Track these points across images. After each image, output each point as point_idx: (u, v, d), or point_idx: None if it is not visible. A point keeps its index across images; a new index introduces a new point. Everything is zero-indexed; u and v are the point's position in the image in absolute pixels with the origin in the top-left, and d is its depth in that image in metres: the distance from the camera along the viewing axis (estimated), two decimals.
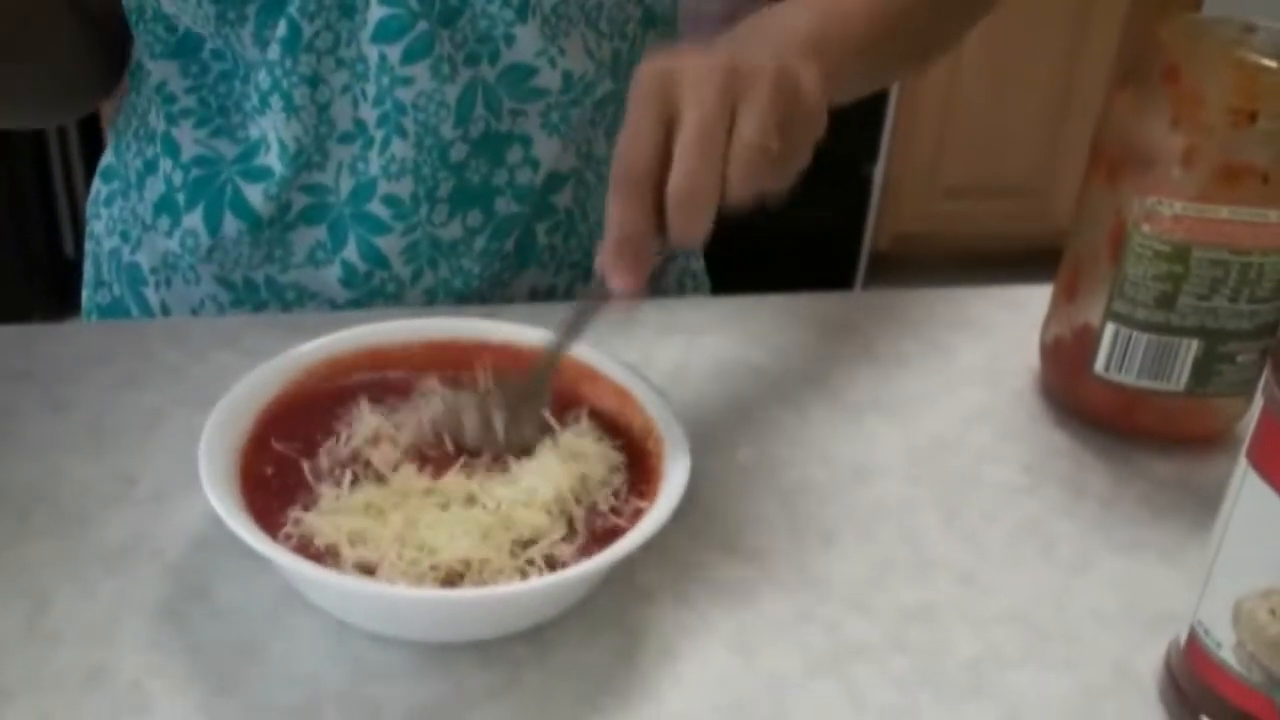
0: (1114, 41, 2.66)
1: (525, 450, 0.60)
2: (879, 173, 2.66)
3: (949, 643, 0.58)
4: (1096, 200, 0.71)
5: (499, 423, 0.60)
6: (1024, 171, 2.80)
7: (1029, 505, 0.67)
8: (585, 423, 0.62)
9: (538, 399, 0.62)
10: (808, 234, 2.67)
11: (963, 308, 0.85)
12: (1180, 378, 0.68)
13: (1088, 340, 0.70)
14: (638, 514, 0.57)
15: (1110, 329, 0.69)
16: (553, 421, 0.61)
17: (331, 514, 0.56)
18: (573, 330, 0.62)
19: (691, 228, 0.55)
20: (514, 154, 0.79)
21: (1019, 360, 0.78)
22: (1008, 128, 2.74)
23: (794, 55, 0.59)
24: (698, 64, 0.56)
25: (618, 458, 0.61)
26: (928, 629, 0.59)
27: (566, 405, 0.63)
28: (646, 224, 0.55)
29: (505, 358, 0.65)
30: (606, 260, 0.56)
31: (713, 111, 0.54)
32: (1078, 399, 0.73)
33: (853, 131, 2.59)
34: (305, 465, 0.59)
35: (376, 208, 0.78)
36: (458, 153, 0.78)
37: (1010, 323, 0.83)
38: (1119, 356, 0.69)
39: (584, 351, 0.64)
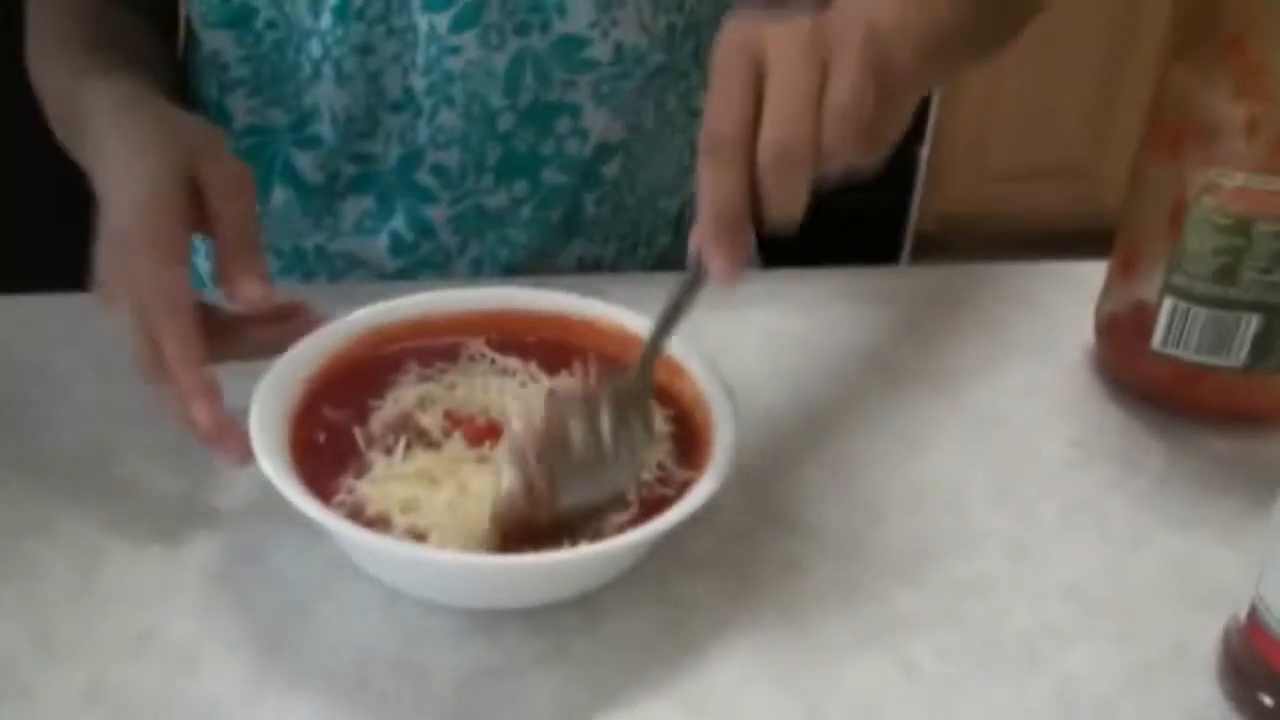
0: (1162, 22, 2.61)
1: (633, 455, 0.56)
2: (925, 154, 2.63)
3: (1002, 617, 0.57)
4: (1155, 174, 0.69)
5: (606, 428, 0.56)
6: (1070, 153, 2.76)
7: (1082, 480, 0.66)
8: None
9: (644, 396, 0.58)
10: (853, 214, 2.64)
11: (1015, 283, 0.83)
12: (1240, 353, 0.67)
13: (1144, 315, 0.69)
14: (686, 484, 0.56)
15: (1168, 303, 0.67)
16: (659, 419, 0.59)
17: (383, 481, 0.56)
18: (671, 319, 0.57)
19: (788, 193, 0.51)
20: (563, 124, 0.79)
21: (1072, 335, 0.77)
22: (1054, 109, 2.70)
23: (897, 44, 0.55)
24: (783, 28, 0.52)
25: (666, 428, 0.60)
26: (980, 602, 0.58)
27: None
28: (743, 196, 0.51)
29: (555, 328, 0.65)
30: (703, 238, 0.52)
31: (802, 70, 0.50)
32: (1134, 374, 0.71)
33: None
34: (357, 432, 0.59)
35: (424, 177, 0.78)
36: (505, 122, 0.77)
37: (1063, 298, 0.81)
38: (1177, 331, 0.68)
39: (633, 321, 0.64)
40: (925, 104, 2.57)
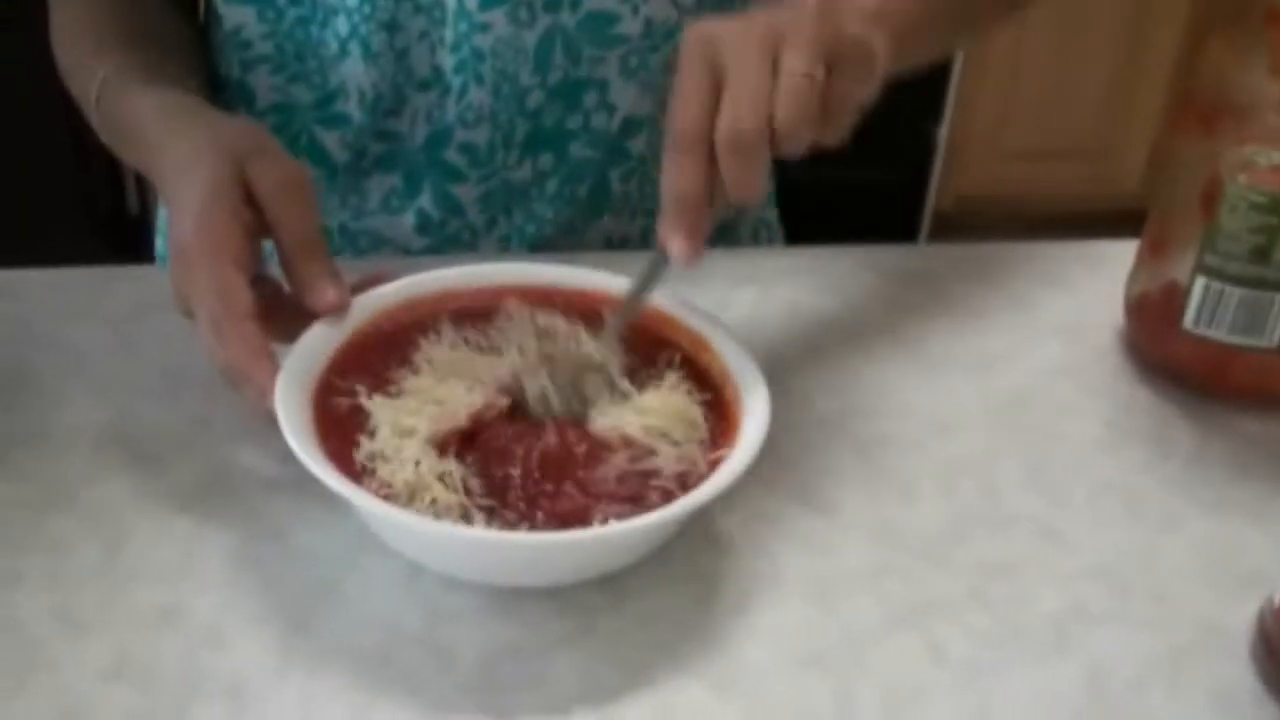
0: (1184, 2, 2.60)
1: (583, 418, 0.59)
2: (943, 133, 2.61)
3: (1031, 599, 0.57)
4: (1187, 152, 0.68)
5: (554, 396, 0.59)
6: (1090, 134, 2.75)
7: (1112, 462, 0.65)
8: (674, 374, 0.60)
9: (603, 369, 0.60)
10: (870, 194, 2.64)
11: (1043, 262, 0.83)
12: (1273, 333, 0.66)
13: (1175, 295, 0.68)
14: (715, 463, 0.56)
15: (1201, 283, 0.67)
16: (625, 386, 0.60)
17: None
18: (636, 301, 0.61)
19: (744, 175, 0.54)
20: (590, 98, 0.78)
21: (1101, 315, 0.76)
22: (1074, 89, 2.68)
23: (856, 21, 0.58)
24: (737, 23, 0.56)
25: (696, 411, 0.59)
26: (1009, 584, 0.57)
27: (650, 349, 0.62)
28: (700, 185, 0.55)
29: (582, 303, 0.64)
30: (664, 225, 0.56)
31: (754, 62, 0.54)
32: (1164, 355, 0.71)
33: (916, 92, 2.55)
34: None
35: (453, 155, 0.78)
36: (535, 100, 0.77)
37: (1092, 278, 0.80)
38: (1209, 312, 0.67)
39: (662, 298, 0.63)
40: (943, 84, 2.55)
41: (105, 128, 0.73)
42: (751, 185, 0.55)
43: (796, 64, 0.54)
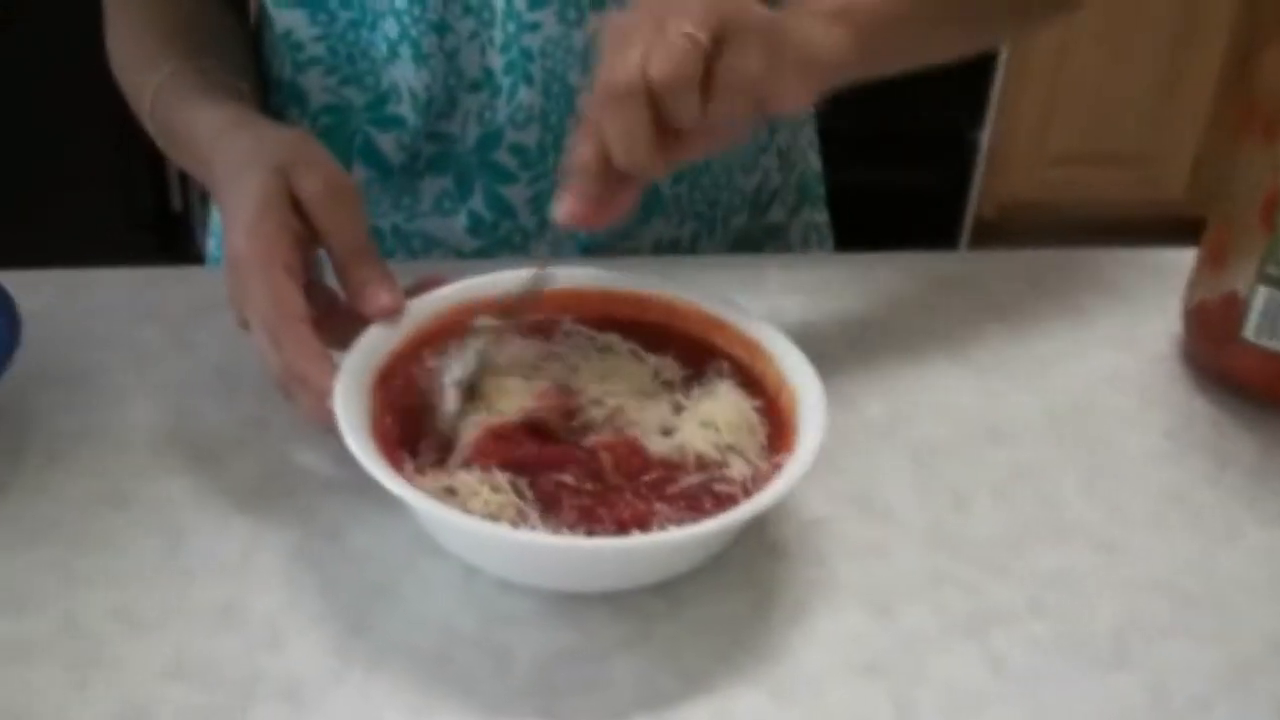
0: (1231, 7, 2.57)
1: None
2: (985, 139, 2.60)
3: (1091, 610, 0.56)
4: (1248, 159, 0.68)
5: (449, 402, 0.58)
6: (1135, 139, 2.72)
7: (1171, 473, 0.65)
8: (727, 383, 0.60)
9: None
10: (911, 199, 2.63)
11: (1096, 269, 0.82)
12: None
13: (1235, 305, 0.68)
14: (771, 469, 0.55)
15: (1262, 293, 0.66)
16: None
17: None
18: (531, 291, 0.62)
19: (618, 130, 0.54)
20: None
21: (1157, 324, 0.76)
22: (1118, 94, 2.66)
23: (818, 19, 0.60)
24: (642, 4, 0.56)
25: (754, 417, 0.59)
26: (1069, 595, 0.57)
27: (701, 356, 0.62)
28: (590, 149, 0.56)
29: (632, 308, 0.64)
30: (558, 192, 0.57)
31: (643, 22, 0.55)
32: (1224, 365, 0.70)
33: (959, 97, 2.54)
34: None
35: (503, 157, 0.78)
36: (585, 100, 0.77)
37: (1146, 285, 0.80)
38: (1271, 322, 0.66)
39: (716, 303, 0.63)
40: (986, 88, 2.54)
41: (160, 135, 0.74)
42: (627, 142, 0.54)
43: (678, 26, 0.54)
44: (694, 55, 0.54)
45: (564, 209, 0.57)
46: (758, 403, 0.60)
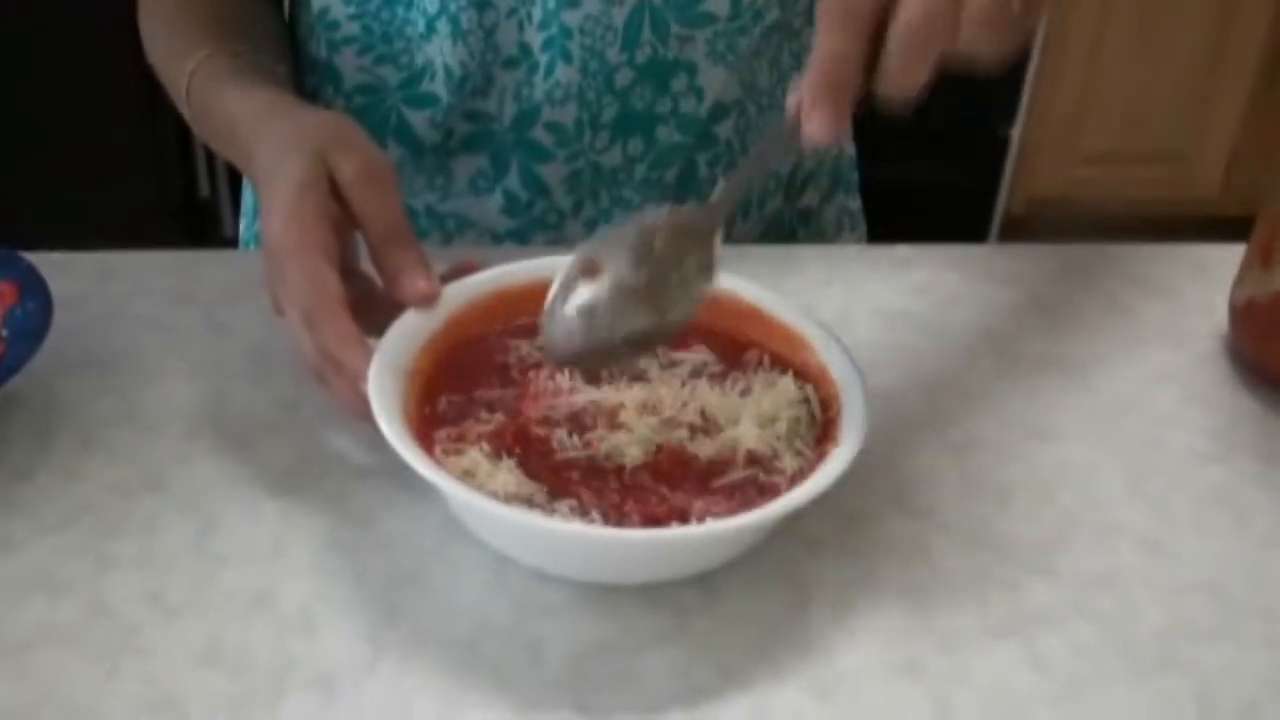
0: (1269, 5, 2.54)
1: (686, 290, 0.55)
2: (1017, 134, 2.58)
3: (1137, 612, 0.55)
4: None
5: (657, 258, 0.55)
6: (1167, 137, 2.69)
7: (1218, 473, 0.63)
8: (787, 376, 0.59)
9: (708, 236, 0.56)
10: (941, 194, 2.61)
11: (1137, 265, 0.80)
12: None
13: None
14: (817, 459, 0.54)
15: None
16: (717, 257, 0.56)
17: None
18: (754, 169, 0.56)
19: (912, 72, 0.48)
20: (679, 82, 0.77)
21: (1203, 322, 0.74)
22: (1152, 91, 2.63)
23: None
24: None
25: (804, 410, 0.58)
26: (1114, 596, 0.56)
27: (739, 348, 0.61)
28: (858, 59, 0.49)
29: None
30: (807, 94, 0.50)
31: None
32: (1272, 364, 0.68)
33: (991, 92, 2.52)
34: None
35: (540, 134, 0.77)
36: (623, 78, 0.76)
37: (1191, 283, 0.78)
38: None
39: (756, 292, 0.62)
40: (1018, 84, 2.52)
41: (196, 121, 0.73)
42: (914, 85, 0.49)
43: None
44: (1005, 21, 0.48)
45: (821, 128, 0.50)
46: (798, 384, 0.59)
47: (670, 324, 0.56)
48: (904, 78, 0.49)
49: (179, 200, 2.40)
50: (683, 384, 0.59)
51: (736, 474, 0.54)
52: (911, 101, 0.50)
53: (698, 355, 0.61)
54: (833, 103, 0.50)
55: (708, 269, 0.56)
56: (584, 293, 0.56)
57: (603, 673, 0.51)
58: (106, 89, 2.13)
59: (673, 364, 0.61)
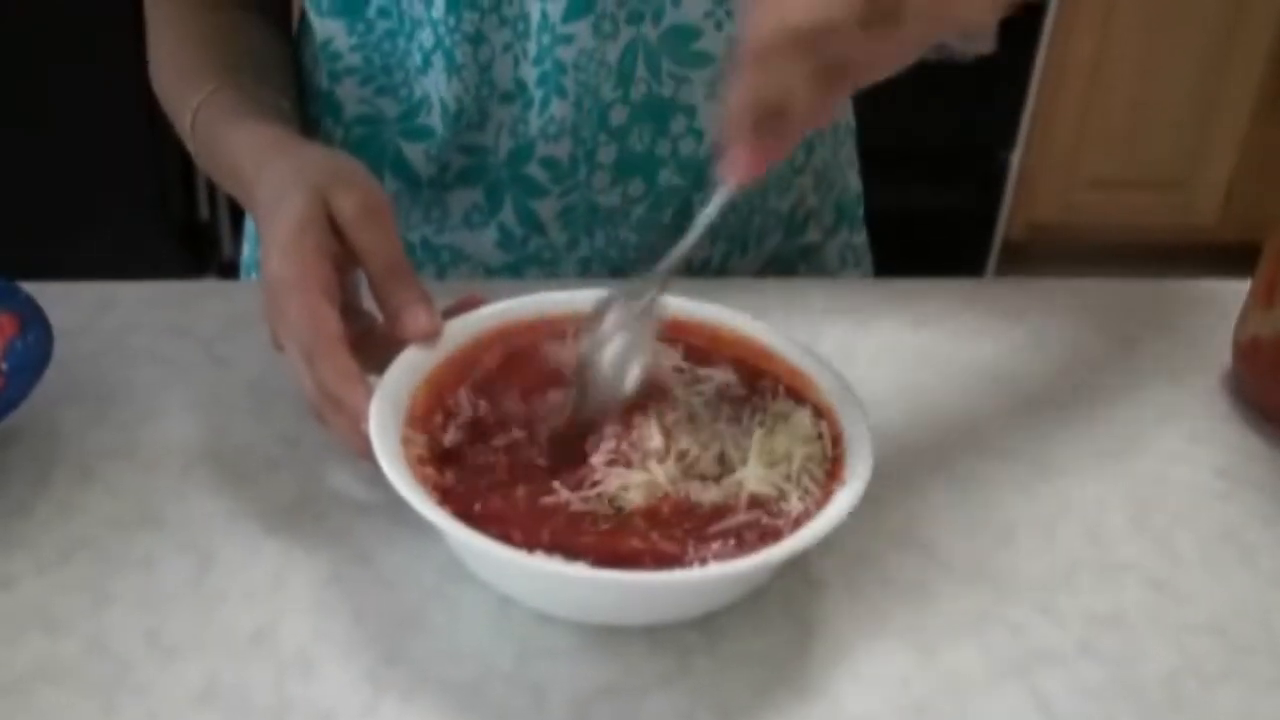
0: (1269, 33, 2.55)
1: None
2: (1016, 159, 2.58)
3: (1143, 653, 0.54)
4: None
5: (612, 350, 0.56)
6: (1168, 164, 2.70)
7: (1225, 511, 0.63)
8: (802, 412, 0.59)
9: (649, 316, 0.57)
10: (940, 219, 2.61)
11: (1142, 299, 0.80)
12: None
13: None
14: (824, 497, 0.54)
15: None
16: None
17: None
18: (692, 236, 0.56)
19: (791, 81, 0.48)
20: (678, 124, 0.77)
21: (1207, 358, 0.74)
22: (1151, 120, 2.64)
23: None
24: None
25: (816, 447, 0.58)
26: (1120, 637, 0.55)
27: (757, 374, 0.61)
28: (753, 95, 0.49)
29: (674, 330, 0.63)
30: (725, 134, 0.51)
31: None
32: (1278, 402, 0.68)
33: (991, 117, 2.53)
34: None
35: (534, 170, 0.77)
36: (618, 116, 0.76)
37: (1197, 318, 0.78)
38: None
39: (761, 329, 0.62)
40: (1018, 109, 2.52)
41: (200, 155, 0.73)
42: (799, 91, 0.49)
43: None
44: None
45: (734, 163, 0.51)
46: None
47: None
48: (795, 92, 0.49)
49: (180, 222, 2.41)
50: (706, 404, 0.59)
51: (737, 518, 0.54)
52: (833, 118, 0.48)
53: (721, 374, 0.61)
54: (739, 135, 0.51)
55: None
56: (618, 344, 0.57)
57: (605, 716, 0.50)
58: (108, 111, 2.14)
59: (697, 380, 0.60)
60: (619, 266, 0.82)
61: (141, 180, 2.28)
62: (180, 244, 2.42)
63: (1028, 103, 2.53)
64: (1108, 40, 2.52)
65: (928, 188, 2.58)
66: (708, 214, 0.55)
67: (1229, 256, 0.71)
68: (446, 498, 0.53)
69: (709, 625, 0.54)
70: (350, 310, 0.59)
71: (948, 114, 2.43)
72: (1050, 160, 2.63)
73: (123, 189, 2.29)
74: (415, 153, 0.79)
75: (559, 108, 0.75)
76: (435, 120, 0.77)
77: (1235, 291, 0.72)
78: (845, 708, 0.51)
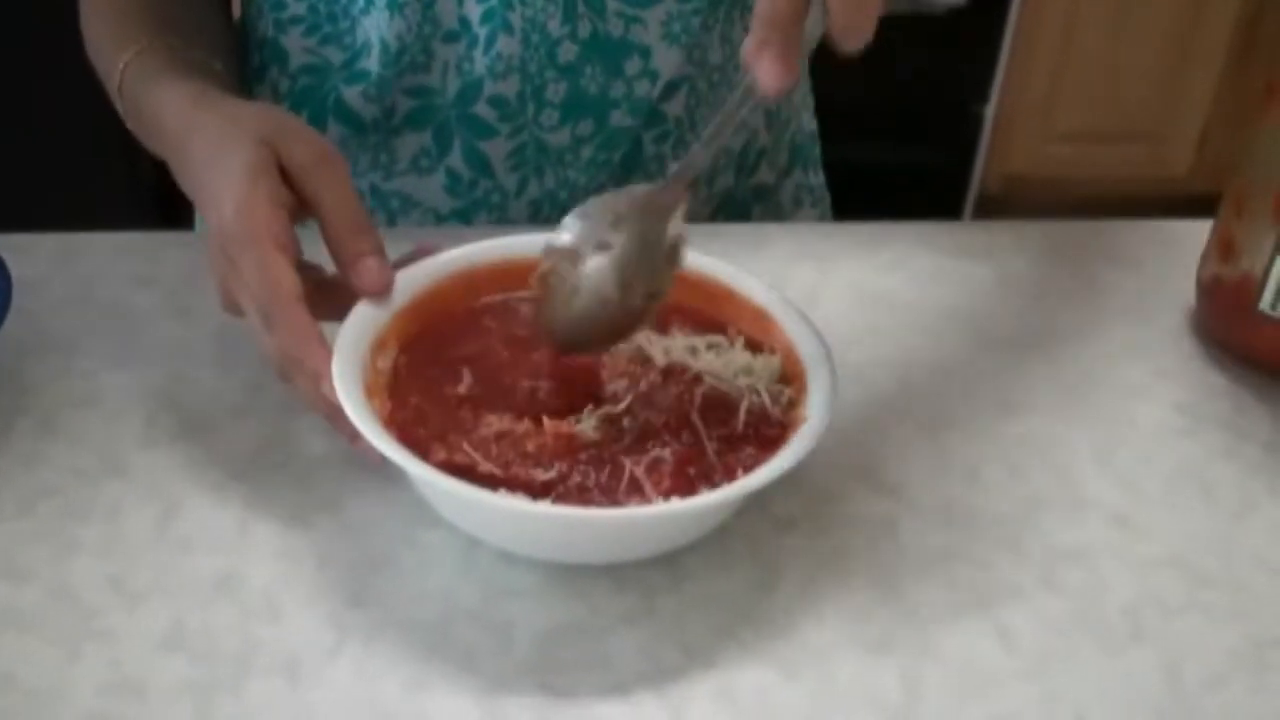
0: None
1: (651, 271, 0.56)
2: (990, 112, 2.58)
3: (1105, 587, 0.55)
4: (1272, 135, 0.66)
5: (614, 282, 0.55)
6: (1141, 116, 2.70)
7: (1186, 447, 0.63)
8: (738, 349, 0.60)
9: (672, 211, 0.56)
10: (914, 173, 2.61)
11: (1109, 240, 0.80)
12: None
13: (1251, 279, 0.66)
14: (778, 438, 0.54)
15: None
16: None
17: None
18: (718, 135, 0.55)
19: (861, 18, 0.48)
20: (632, 65, 0.77)
21: (1170, 297, 0.74)
22: (1125, 71, 2.63)
23: None
24: None
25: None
26: (1081, 571, 0.56)
27: (708, 328, 0.61)
28: (799, 5, 0.48)
29: None
30: (753, 36, 0.49)
31: None
32: (1239, 339, 0.69)
33: (965, 70, 2.52)
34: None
35: (482, 109, 0.76)
36: (567, 53, 0.75)
37: (1160, 258, 0.78)
38: None
39: (723, 270, 0.62)
40: (992, 61, 2.52)
41: (129, 116, 0.71)
42: (863, 29, 0.48)
43: None
44: None
45: (773, 71, 0.49)
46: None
47: (661, 294, 0.56)
48: (851, 19, 0.48)
49: (149, 181, 2.39)
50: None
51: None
52: (860, 48, 0.48)
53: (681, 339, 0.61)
54: (780, 41, 0.49)
55: (680, 241, 0.56)
56: (589, 274, 0.56)
57: (571, 654, 0.51)
58: (75, 71, 2.11)
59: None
60: (567, 207, 0.81)
61: (111, 139, 2.26)
62: (150, 203, 2.40)
63: (1001, 56, 2.52)
64: None
65: (901, 141, 2.57)
66: (736, 112, 0.53)
67: (1202, 207, 0.71)
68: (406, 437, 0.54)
69: (674, 564, 0.54)
70: (300, 264, 0.58)
71: (921, 67, 2.42)
72: (1024, 113, 2.63)
73: (92, 148, 2.26)
74: (353, 95, 0.78)
75: (505, 44, 0.74)
76: (373, 63, 0.76)
77: (1202, 231, 0.72)
78: (809, 644, 0.52)
